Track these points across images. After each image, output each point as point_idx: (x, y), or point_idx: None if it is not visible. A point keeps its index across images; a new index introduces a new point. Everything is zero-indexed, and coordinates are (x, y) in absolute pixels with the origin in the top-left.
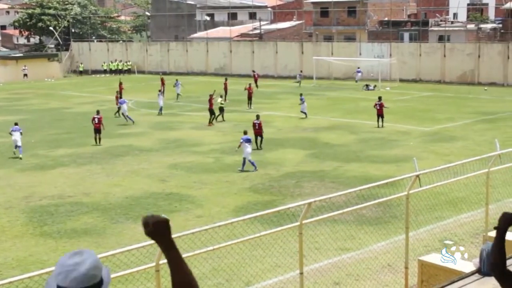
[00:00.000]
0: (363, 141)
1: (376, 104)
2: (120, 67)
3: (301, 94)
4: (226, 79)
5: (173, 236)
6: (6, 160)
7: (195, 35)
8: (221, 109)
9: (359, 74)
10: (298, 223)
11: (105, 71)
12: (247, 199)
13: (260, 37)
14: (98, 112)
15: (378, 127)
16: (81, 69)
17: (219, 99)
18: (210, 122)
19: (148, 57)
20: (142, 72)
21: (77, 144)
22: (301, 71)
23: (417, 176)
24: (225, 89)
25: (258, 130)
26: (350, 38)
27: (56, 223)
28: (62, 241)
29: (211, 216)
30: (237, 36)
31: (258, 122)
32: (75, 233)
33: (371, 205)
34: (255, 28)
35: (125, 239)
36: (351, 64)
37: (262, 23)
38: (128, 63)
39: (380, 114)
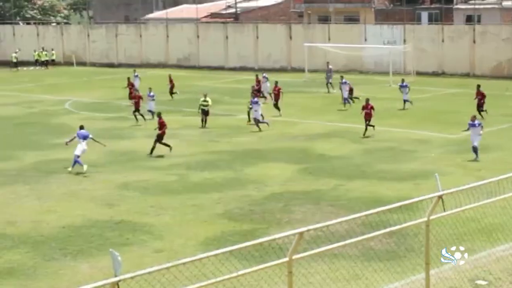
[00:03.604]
0: (369, 152)
1: (364, 107)
2: (49, 57)
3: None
4: (257, 76)
5: (124, 276)
6: None
7: (151, 15)
8: (204, 112)
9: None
10: (286, 259)
11: (35, 63)
12: (221, 228)
13: (236, 17)
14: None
15: (365, 136)
16: (14, 59)
17: (202, 98)
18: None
19: (91, 44)
20: (83, 64)
21: None
22: (265, 75)
23: (440, 197)
24: (258, 86)
25: None
26: (352, 19)
27: None
28: None
29: (173, 250)
30: (205, 16)
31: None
32: None
33: (381, 235)
34: (229, 6)
35: (62, 282)
36: (353, 53)
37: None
38: (52, 51)
39: (368, 119)
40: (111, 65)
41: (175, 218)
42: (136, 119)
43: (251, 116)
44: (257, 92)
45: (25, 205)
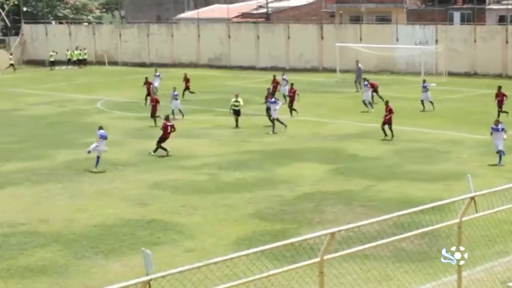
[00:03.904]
0: (400, 152)
1: (388, 109)
2: (81, 57)
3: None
4: (274, 76)
5: (156, 275)
6: None
7: (182, 15)
8: (236, 112)
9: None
10: (318, 259)
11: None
12: (252, 228)
13: (267, 17)
14: (168, 118)
15: (386, 138)
16: (51, 59)
17: (233, 98)
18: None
19: (122, 43)
20: (115, 64)
21: (31, 157)
22: (285, 77)
23: (472, 198)
24: (274, 88)
25: None
26: (384, 19)
27: (5, 258)
28: (13, 281)
29: (205, 250)
30: (237, 16)
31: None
32: (29, 272)
33: (413, 236)
34: (260, 6)
35: (94, 280)
36: (385, 54)
37: None
38: (84, 51)
39: (388, 122)
40: (142, 65)
41: (207, 217)
42: (155, 122)
43: (272, 117)
44: (271, 94)
45: (58, 204)
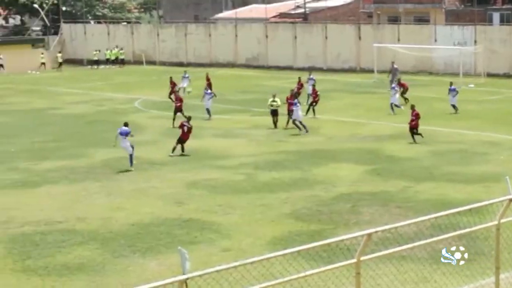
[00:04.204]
0: (438, 154)
1: (414, 114)
2: (116, 56)
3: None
4: (300, 78)
5: (193, 274)
6: None
7: (220, 15)
8: (274, 112)
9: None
10: (354, 260)
11: (107, 61)
12: (288, 228)
13: (305, 17)
14: (189, 119)
15: (415, 142)
16: (95, 57)
17: (271, 98)
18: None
19: (160, 43)
20: (153, 63)
21: (69, 155)
22: (312, 76)
23: (511, 200)
24: (298, 90)
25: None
26: (422, 20)
27: (42, 256)
28: (50, 279)
29: (241, 249)
30: (274, 16)
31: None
32: (66, 270)
33: (450, 238)
34: (298, 6)
35: (131, 278)
36: (423, 54)
37: (307, 0)
38: (121, 50)
39: (414, 128)
40: (180, 64)
41: (243, 217)
42: (173, 123)
43: (292, 118)
44: (293, 96)
45: (95, 202)
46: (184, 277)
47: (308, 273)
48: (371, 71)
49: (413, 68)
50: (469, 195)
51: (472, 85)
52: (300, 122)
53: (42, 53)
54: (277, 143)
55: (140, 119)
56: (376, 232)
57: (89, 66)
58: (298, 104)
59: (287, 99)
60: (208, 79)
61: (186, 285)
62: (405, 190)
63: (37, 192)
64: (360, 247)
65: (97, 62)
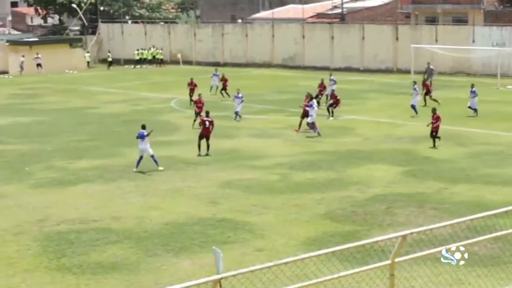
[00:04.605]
0: (475, 155)
1: (435, 117)
2: (153, 55)
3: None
4: (322, 80)
5: (226, 274)
6: (16, 172)
7: (257, 15)
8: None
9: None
10: (389, 262)
11: (144, 61)
12: (322, 228)
13: (342, 18)
14: (207, 114)
15: (435, 147)
16: (137, 57)
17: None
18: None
19: (197, 43)
20: (189, 63)
21: (104, 155)
22: (333, 77)
23: None
24: (320, 92)
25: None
26: (460, 20)
27: (77, 254)
28: (85, 277)
29: (275, 249)
30: (311, 16)
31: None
32: (100, 268)
33: (486, 240)
34: (335, 7)
35: (164, 277)
36: (461, 55)
37: (345, 0)
38: (160, 50)
39: (435, 131)
40: (216, 64)
41: (277, 217)
42: (194, 124)
43: (307, 121)
44: (310, 97)
45: (130, 201)
46: (218, 276)
47: (342, 274)
48: (408, 71)
49: (451, 69)
50: (505, 197)
51: (510, 86)
52: (313, 124)
53: (88, 52)
54: (312, 143)
55: (176, 118)
56: (411, 233)
57: (132, 66)
58: (314, 106)
59: (304, 104)
60: (224, 79)
61: (220, 285)
62: (440, 191)
63: (73, 191)
64: (395, 249)
65: (139, 62)
